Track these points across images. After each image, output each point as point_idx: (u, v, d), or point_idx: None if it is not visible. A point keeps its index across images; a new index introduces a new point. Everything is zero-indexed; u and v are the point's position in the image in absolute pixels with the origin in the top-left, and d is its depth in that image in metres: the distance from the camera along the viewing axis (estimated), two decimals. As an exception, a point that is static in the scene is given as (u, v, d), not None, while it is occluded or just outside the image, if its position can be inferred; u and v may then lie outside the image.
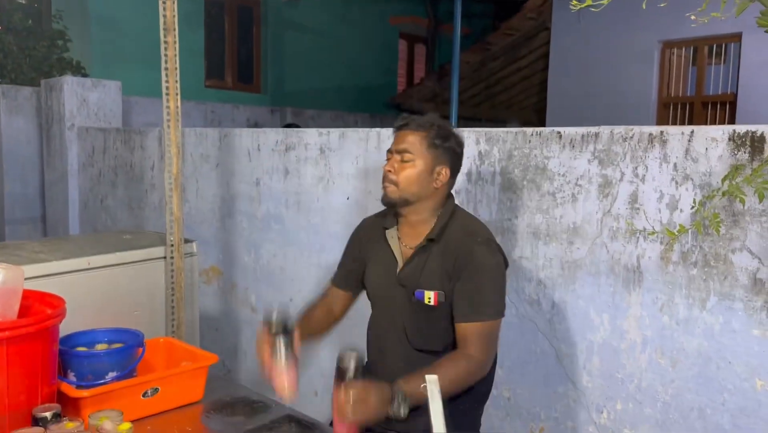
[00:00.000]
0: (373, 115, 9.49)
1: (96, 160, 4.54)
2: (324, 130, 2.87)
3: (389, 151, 1.71)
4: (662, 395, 1.82)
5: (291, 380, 1.53)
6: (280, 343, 1.53)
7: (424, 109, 8.90)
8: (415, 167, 1.64)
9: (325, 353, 2.80)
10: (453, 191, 1.83)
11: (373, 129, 2.64)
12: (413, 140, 1.65)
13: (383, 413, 1.37)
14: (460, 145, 1.74)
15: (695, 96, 6.30)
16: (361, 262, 1.85)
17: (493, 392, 2.22)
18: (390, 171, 1.66)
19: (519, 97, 9.15)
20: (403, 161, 1.65)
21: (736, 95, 5.84)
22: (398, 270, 1.72)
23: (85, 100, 4.76)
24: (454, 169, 1.72)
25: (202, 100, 7.78)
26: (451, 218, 1.71)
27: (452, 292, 1.63)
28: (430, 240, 1.67)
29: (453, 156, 1.71)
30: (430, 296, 1.63)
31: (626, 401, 1.90)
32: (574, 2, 1.55)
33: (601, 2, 1.47)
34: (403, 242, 1.75)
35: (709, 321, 1.72)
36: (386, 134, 2.46)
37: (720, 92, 6.12)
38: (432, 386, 0.92)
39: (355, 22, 9.51)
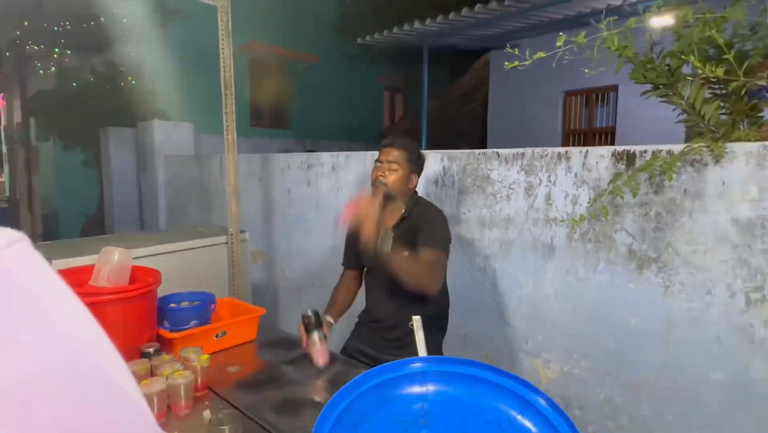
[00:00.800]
0: (367, 144, 9.52)
1: (176, 178, 4.52)
2: (335, 153, 2.89)
3: (378, 161, 1.72)
4: (568, 329, 1.86)
5: (324, 355, 1.58)
6: (314, 335, 1.57)
7: (402, 140, 8.90)
8: (399, 173, 1.68)
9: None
10: (425, 193, 1.87)
11: (368, 152, 2.66)
12: (398, 154, 1.69)
13: (372, 244, 1.44)
14: (424, 161, 1.80)
15: (588, 128, 6.36)
16: (356, 248, 1.82)
17: (454, 331, 2.26)
18: (382, 176, 1.68)
19: (468, 129, 9.16)
20: (390, 169, 1.68)
21: (615, 127, 5.93)
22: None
23: (169, 137, 4.76)
24: (420, 176, 1.77)
25: (248, 136, 7.73)
26: (415, 204, 1.74)
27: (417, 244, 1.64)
28: (403, 218, 1.72)
29: (420, 168, 1.76)
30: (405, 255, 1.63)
31: (544, 334, 1.94)
32: (507, 63, 1.58)
33: (525, 63, 1.51)
34: (383, 224, 1.73)
35: (599, 279, 1.75)
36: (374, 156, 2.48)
37: (604, 125, 6.19)
38: (417, 324, 0.94)
39: (355, 79, 9.53)
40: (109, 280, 1.52)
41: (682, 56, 1.50)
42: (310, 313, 1.59)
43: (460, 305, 2.23)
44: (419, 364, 0.66)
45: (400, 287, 1.60)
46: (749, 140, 1.45)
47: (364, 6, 8.59)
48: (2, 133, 8.09)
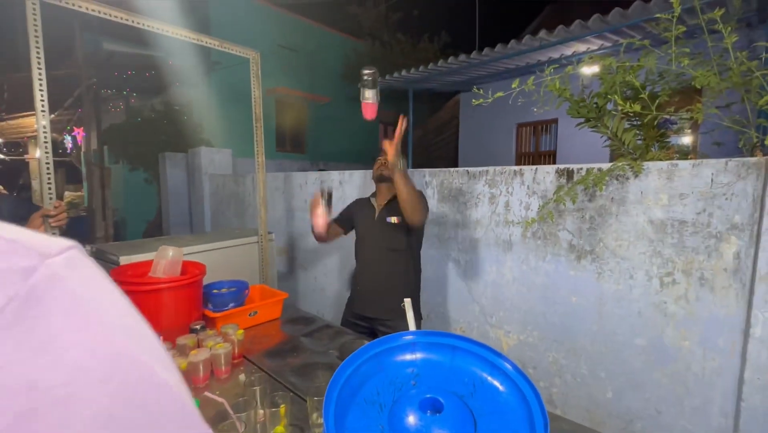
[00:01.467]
0: (366, 164, 9.47)
1: (218, 192, 4.47)
2: (342, 171, 2.86)
3: (379, 157, 1.81)
4: (523, 306, 1.84)
5: (324, 221, 1.71)
6: (323, 203, 1.71)
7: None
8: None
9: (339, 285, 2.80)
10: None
11: (367, 171, 2.63)
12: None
13: (396, 161, 1.53)
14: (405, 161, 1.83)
15: (535, 151, 6.39)
16: (351, 216, 1.92)
17: (435, 310, 2.24)
18: (383, 163, 1.78)
19: (444, 153, 9.16)
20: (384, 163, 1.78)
21: (556, 151, 5.96)
22: (377, 213, 1.81)
23: (212, 160, 4.69)
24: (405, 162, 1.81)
25: (274, 159, 7.71)
26: None
27: (404, 220, 1.67)
28: (394, 196, 1.75)
29: (404, 160, 1.79)
30: (394, 219, 1.74)
31: (505, 311, 1.92)
32: (474, 101, 1.57)
33: (488, 101, 1.50)
34: (378, 202, 1.83)
35: (547, 268, 1.74)
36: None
37: (548, 149, 6.22)
38: (407, 306, 0.91)
39: (356, 115, 9.47)
40: (164, 272, 1.48)
41: (607, 96, 1.50)
42: (327, 189, 1.73)
43: (440, 289, 2.21)
44: (410, 336, 0.65)
45: (388, 257, 1.74)
46: (660, 159, 1.45)
47: (364, 60, 8.61)
48: (82, 158, 7.99)
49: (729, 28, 1.16)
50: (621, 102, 1.40)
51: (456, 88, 6.77)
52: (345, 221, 1.93)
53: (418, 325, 1.84)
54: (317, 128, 8.93)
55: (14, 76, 5.54)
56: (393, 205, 1.77)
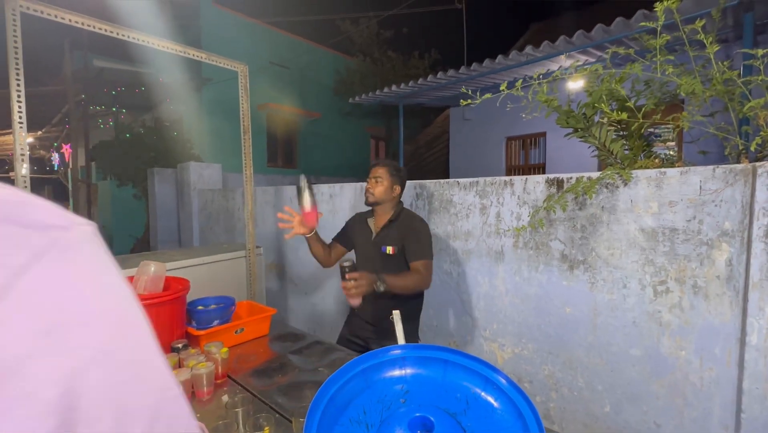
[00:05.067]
0: (358, 178, 9.48)
1: (207, 207, 4.40)
2: (332, 184, 2.83)
3: (368, 179, 1.72)
4: (517, 319, 1.80)
5: (311, 214, 1.62)
6: (307, 195, 1.60)
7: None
8: (384, 185, 1.67)
9: (335, 313, 2.73)
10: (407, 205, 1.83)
11: (357, 183, 2.61)
12: (382, 171, 1.69)
13: (371, 288, 1.40)
14: (405, 175, 1.77)
15: (524, 164, 6.46)
16: (350, 235, 1.83)
17: (427, 322, 2.20)
18: (370, 188, 1.69)
19: (435, 166, 9.23)
20: (377, 182, 1.68)
21: (545, 163, 6.03)
22: (373, 237, 1.72)
23: (201, 175, 4.63)
24: (402, 187, 1.74)
25: (266, 174, 7.67)
26: (401, 210, 1.72)
27: (402, 248, 1.63)
28: (390, 221, 1.69)
29: (401, 180, 1.73)
30: (389, 249, 1.65)
31: (498, 323, 1.88)
32: (462, 102, 1.57)
33: (476, 101, 1.50)
34: (375, 223, 1.75)
35: (540, 278, 1.71)
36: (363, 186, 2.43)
37: (537, 162, 6.30)
38: (396, 318, 0.87)
39: (347, 130, 9.58)
40: (145, 288, 1.42)
41: (595, 106, 1.51)
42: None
43: (432, 302, 2.17)
44: (398, 351, 0.61)
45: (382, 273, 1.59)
46: (648, 168, 1.45)
47: (354, 75, 8.72)
48: (69, 175, 7.85)
49: (710, 39, 1.18)
50: (607, 110, 1.40)
51: (446, 103, 6.87)
52: (346, 240, 1.84)
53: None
54: (308, 143, 8.95)
55: None
56: (389, 231, 1.67)
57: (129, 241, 6.59)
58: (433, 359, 0.60)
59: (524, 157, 6.49)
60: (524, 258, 1.76)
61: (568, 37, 3.56)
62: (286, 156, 8.73)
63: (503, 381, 0.56)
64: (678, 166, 1.40)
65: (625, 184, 1.46)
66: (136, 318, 0.28)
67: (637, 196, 1.43)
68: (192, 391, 1.22)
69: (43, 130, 7.94)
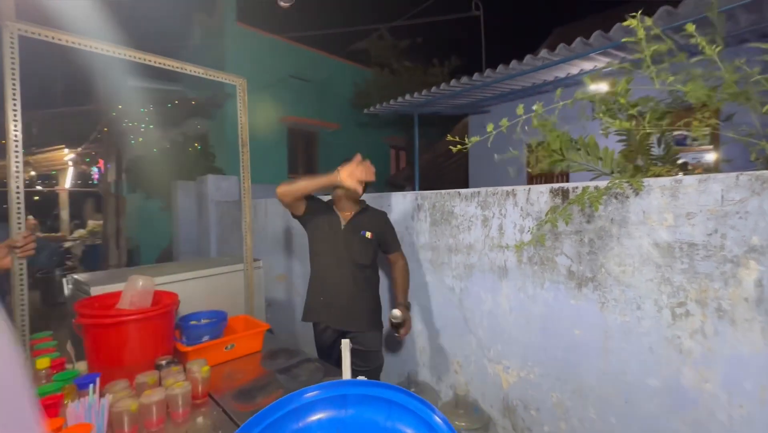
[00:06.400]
0: (377, 189, 9.48)
1: (224, 218, 4.49)
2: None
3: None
4: (522, 339, 1.67)
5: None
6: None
7: (404, 184, 8.86)
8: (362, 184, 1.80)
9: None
10: (404, 226, 1.78)
11: (376, 194, 2.54)
12: None
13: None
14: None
15: (548, 172, 6.21)
16: (316, 208, 1.86)
17: (430, 341, 2.09)
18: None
19: (454, 175, 9.08)
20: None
21: (568, 172, 5.75)
22: (344, 223, 1.83)
23: (219, 187, 4.75)
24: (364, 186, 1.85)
25: (285, 184, 7.80)
26: (366, 205, 1.94)
27: (377, 237, 1.85)
28: (362, 210, 1.89)
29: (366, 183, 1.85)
30: (368, 234, 1.83)
31: (503, 343, 1.75)
32: (485, 124, 1.49)
33: (501, 128, 1.41)
34: (342, 213, 1.87)
35: (546, 296, 1.58)
36: (391, 196, 2.38)
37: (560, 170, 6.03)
38: (345, 348, 0.80)
39: (366, 140, 9.62)
40: (131, 303, 1.42)
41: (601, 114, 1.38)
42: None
43: (435, 319, 2.06)
44: (313, 393, 0.53)
45: (354, 271, 1.80)
46: (661, 176, 1.31)
47: (372, 86, 8.78)
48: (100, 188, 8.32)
49: (704, 41, 1.05)
50: (605, 118, 1.28)
51: (463, 111, 6.75)
52: (309, 207, 1.83)
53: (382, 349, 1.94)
54: (328, 154, 9.05)
55: (41, 113, 5.88)
56: (361, 218, 1.84)
57: (155, 251, 6.85)
58: (333, 397, 0.51)
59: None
60: (528, 274, 1.64)
61: (585, 39, 3.40)
62: (306, 167, 8.85)
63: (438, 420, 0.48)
64: (698, 173, 1.25)
65: (637, 194, 1.32)
66: (10, 382, 0.28)
67: (650, 207, 1.29)
68: (168, 411, 1.18)
69: (83, 147, 8.48)
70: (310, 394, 0.52)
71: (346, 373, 0.73)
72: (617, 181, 1.33)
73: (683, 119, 1.21)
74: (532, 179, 6.37)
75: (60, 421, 0.89)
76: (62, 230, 9.81)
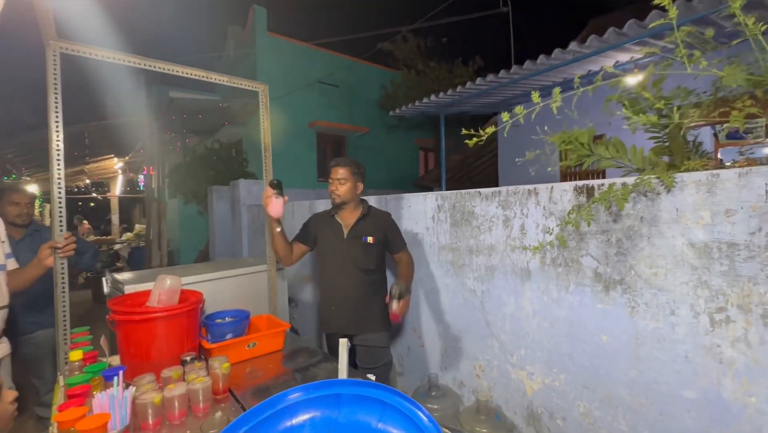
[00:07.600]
0: (407, 190, 9.47)
1: (255, 221, 4.64)
2: (381, 196, 2.80)
3: (330, 179, 1.83)
4: (546, 344, 1.60)
5: (276, 206, 1.65)
6: (275, 193, 1.65)
7: (432, 186, 8.78)
8: (347, 185, 1.81)
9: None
10: (424, 227, 1.76)
11: (407, 194, 2.54)
12: (343, 171, 1.81)
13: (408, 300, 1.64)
14: (364, 170, 1.90)
15: (581, 169, 5.92)
16: (314, 233, 1.91)
17: (452, 344, 2.05)
18: (335, 190, 1.81)
19: (484, 176, 8.88)
20: (340, 183, 1.80)
21: (604, 169, 5.46)
22: (347, 232, 1.83)
23: (250, 191, 4.91)
24: (364, 182, 1.88)
25: (315, 188, 7.95)
26: (369, 207, 1.90)
27: (381, 240, 1.83)
28: (364, 216, 1.85)
29: (363, 176, 1.87)
30: (370, 239, 1.81)
31: (526, 348, 1.68)
32: (515, 123, 1.45)
33: (519, 120, 1.36)
34: (345, 220, 1.86)
35: (571, 299, 1.51)
36: (411, 197, 2.38)
37: (595, 167, 5.74)
38: (342, 348, 0.80)
39: (395, 143, 9.64)
40: (159, 301, 1.49)
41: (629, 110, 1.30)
42: (276, 181, 1.67)
43: (456, 321, 2.02)
44: (296, 394, 0.53)
45: (360, 277, 1.81)
46: (696, 170, 1.21)
47: (398, 88, 8.79)
48: (145, 194, 8.88)
49: (764, 26, 0.95)
50: (632, 115, 1.21)
51: (491, 110, 6.60)
52: (308, 239, 1.92)
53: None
54: (357, 157, 9.10)
55: (93, 125, 6.39)
56: (364, 224, 1.83)
57: (194, 253, 7.21)
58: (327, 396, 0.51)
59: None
60: (552, 276, 1.56)
61: (618, 29, 3.21)
62: (335, 171, 9.00)
63: (424, 419, 0.46)
64: (740, 166, 1.14)
65: (669, 191, 1.23)
66: None
67: (684, 204, 1.20)
68: (189, 405, 1.23)
69: (130, 156, 9.10)
70: (294, 396, 0.52)
71: (342, 372, 0.73)
72: (646, 177, 1.24)
73: (719, 109, 1.11)
74: (566, 178, 6.10)
75: (84, 409, 0.96)
76: (113, 234, 10.58)
